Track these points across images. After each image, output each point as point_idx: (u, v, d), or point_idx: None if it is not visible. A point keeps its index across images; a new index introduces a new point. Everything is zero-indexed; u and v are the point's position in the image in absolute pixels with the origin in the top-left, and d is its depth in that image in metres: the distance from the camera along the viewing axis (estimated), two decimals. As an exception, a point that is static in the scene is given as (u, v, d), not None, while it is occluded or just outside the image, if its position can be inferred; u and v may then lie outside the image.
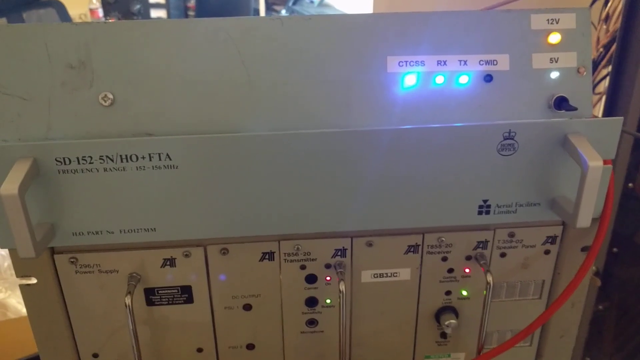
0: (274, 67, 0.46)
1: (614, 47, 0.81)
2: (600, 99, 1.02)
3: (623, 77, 0.78)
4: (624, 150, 0.79)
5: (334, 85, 0.46)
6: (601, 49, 1.00)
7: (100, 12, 2.59)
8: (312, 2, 2.56)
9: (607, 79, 0.86)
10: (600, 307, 0.88)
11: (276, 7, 2.75)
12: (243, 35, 0.45)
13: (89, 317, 0.51)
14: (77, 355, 0.53)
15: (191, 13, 2.62)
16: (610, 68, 0.83)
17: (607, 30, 1.03)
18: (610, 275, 0.86)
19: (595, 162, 0.43)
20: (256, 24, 0.45)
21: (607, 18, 1.03)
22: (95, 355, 0.53)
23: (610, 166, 0.47)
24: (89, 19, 2.62)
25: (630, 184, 0.80)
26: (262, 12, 2.57)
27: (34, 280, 0.48)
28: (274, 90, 0.46)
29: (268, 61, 0.46)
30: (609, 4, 1.02)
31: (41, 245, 0.43)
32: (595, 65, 1.01)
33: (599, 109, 0.92)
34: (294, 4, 2.58)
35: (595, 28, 1.04)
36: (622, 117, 0.46)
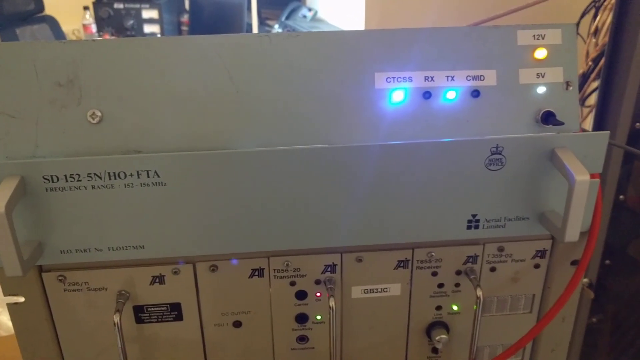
0: (262, 83, 0.46)
1: (603, 60, 0.82)
2: (590, 112, 1.02)
3: (612, 90, 0.79)
4: (615, 162, 0.80)
5: (322, 102, 0.47)
6: (590, 62, 1.01)
7: (94, 28, 2.60)
8: (305, 17, 2.57)
9: (597, 92, 0.87)
10: (594, 319, 0.88)
11: (269, 22, 2.76)
12: (231, 52, 0.46)
13: (78, 335, 0.51)
14: (65, 374, 0.53)
15: (185, 28, 2.64)
16: (599, 81, 0.84)
17: (597, 44, 1.04)
18: (604, 287, 0.86)
19: (582, 176, 0.43)
20: (244, 41, 0.46)
21: (596, 32, 1.04)
22: (84, 374, 0.53)
23: (597, 180, 0.47)
24: (82, 34, 2.63)
25: (621, 196, 0.80)
26: (255, 27, 2.59)
27: (21, 299, 0.48)
28: (262, 106, 0.46)
29: (256, 78, 0.46)
30: (598, 18, 1.03)
31: (28, 263, 0.43)
32: (585, 78, 1.01)
33: (589, 122, 0.92)
34: (287, 18, 2.59)
35: (585, 41, 1.04)
36: (608, 132, 0.46)
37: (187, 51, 0.45)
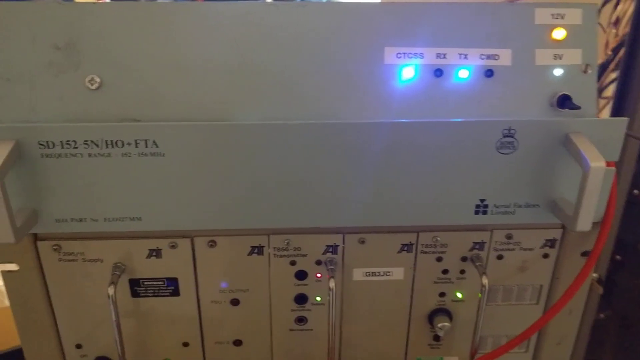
0: (267, 54, 0.44)
1: (622, 50, 0.79)
2: (607, 103, 1.00)
3: (631, 81, 0.76)
4: (630, 155, 0.77)
5: (328, 75, 0.45)
6: (610, 53, 0.98)
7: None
8: None
9: (615, 83, 0.84)
10: (602, 315, 0.87)
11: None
12: (237, 20, 0.44)
13: (73, 306, 0.50)
14: (59, 346, 0.52)
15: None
16: (618, 72, 0.82)
17: (617, 34, 1.01)
18: (613, 283, 0.84)
19: (597, 163, 0.41)
20: (250, 9, 0.44)
21: (617, 22, 1.01)
22: (79, 346, 0.52)
23: (613, 168, 0.45)
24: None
25: (635, 191, 0.78)
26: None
27: (15, 267, 0.47)
28: (267, 78, 0.45)
29: (262, 48, 0.44)
30: (619, 7, 1.00)
31: (22, 230, 0.42)
32: (604, 68, 0.99)
33: (606, 114, 0.90)
34: None
35: (605, 31, 1.02)
36: (627, 118, 0.44)
37: (192, 17, 0.44)
